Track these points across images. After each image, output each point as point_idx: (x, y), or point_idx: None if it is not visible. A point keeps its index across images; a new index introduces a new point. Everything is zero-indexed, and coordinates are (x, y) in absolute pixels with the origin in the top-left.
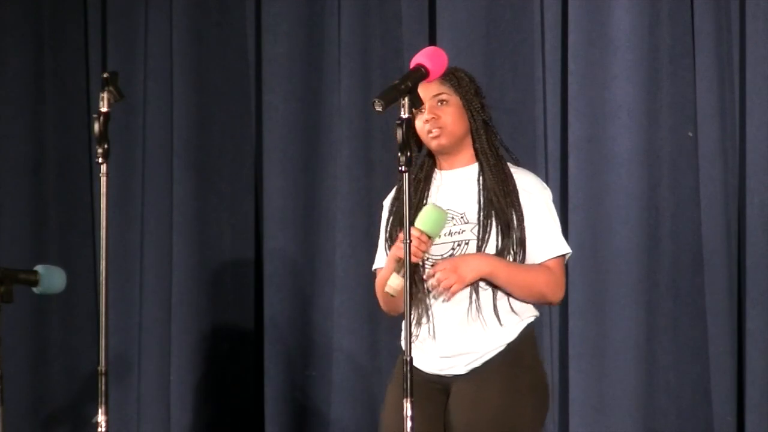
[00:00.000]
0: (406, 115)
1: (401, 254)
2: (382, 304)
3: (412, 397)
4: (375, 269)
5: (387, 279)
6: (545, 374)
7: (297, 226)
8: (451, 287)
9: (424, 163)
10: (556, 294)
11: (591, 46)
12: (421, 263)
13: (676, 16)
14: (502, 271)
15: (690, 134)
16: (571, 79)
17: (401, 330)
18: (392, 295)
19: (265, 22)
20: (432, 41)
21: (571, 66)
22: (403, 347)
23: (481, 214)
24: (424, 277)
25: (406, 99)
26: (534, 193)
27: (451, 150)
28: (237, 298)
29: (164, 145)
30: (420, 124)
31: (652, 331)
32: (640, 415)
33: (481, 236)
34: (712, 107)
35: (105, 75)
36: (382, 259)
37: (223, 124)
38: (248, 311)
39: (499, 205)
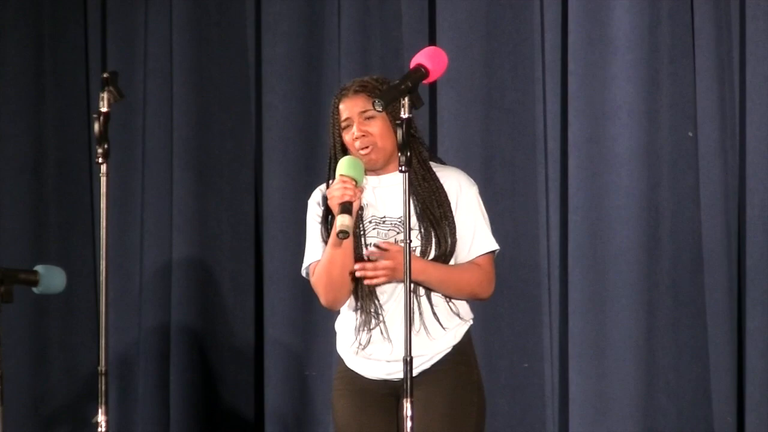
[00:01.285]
0: (406, 115)
1: (348, 198)
2: (323, 296)
3: (412, 397)
4: (309, 265)
5: (329, 259)
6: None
7: (297, 226)
8: (376, 278)
9: None
10: (486, 291)
11: (591, 46)
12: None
13: (676, 16)
14: (436, 273)
15: (690, 134)
16: (571, 79)
17: (338, 334)
18: (347, 233)
19: (265, 22)
20: (432, 41)
21: (571, 66)
22: (343, 355)
23: (421, 224)
24: (366, 254)
25: (406, 99)
26: (462, 192)
27: (382, 164)
28: (237, 298)
29: (164, 145)
30: (349, 139)
31: (652, 331)
32: (640, 415)
33: (424, 242)
34: (712, 107)
35: (105, 75)
36: (317, 252)
37: (223, 124)
38: (248, 311)
39: (434, 217)
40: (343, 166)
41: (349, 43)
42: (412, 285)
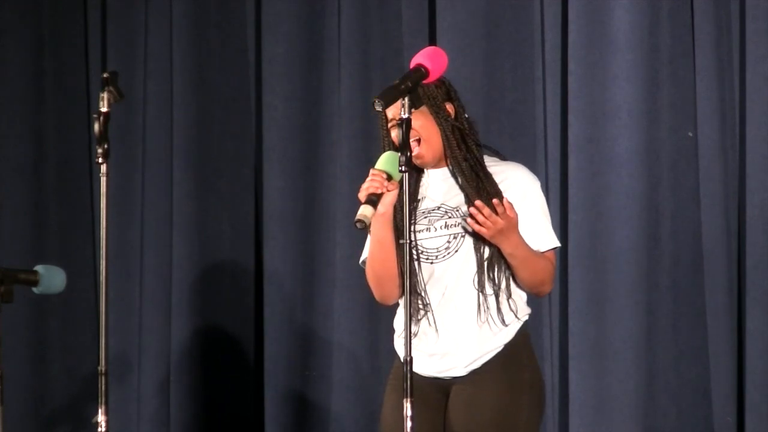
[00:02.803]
0: (406, 115)
1: (373, 190)
2: (373, 292)
3: (412, 397)
4: (363, 260)
5: (370, 255)
6: (540, 371)
7: (297, 226)
8: (477, 226)
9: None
10: (550, 285)
11: (591, 46)
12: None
13: (676, 16)
14: (522, 252)
15: (690, 134)
16: (571, 79)
17: (395, 330)
18: (364, 224)
19: (265, 22)
20: (432, 41)
21: (571, 66)
22: (397, 349)
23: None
24: (474, 206)
25: (406, 99)
26: (527, 188)
27: (434, 161)
28: (237, 298)
29: (164, 145)
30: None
31: (652, 331)
32: (640, 415)
33: (476, 232)
34: (712, 107)
35: (105, 75)
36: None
37: (223, 124)
38: (248, 311)
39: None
40: (380, 161)
41: (349, 43)
42: (480, 277)
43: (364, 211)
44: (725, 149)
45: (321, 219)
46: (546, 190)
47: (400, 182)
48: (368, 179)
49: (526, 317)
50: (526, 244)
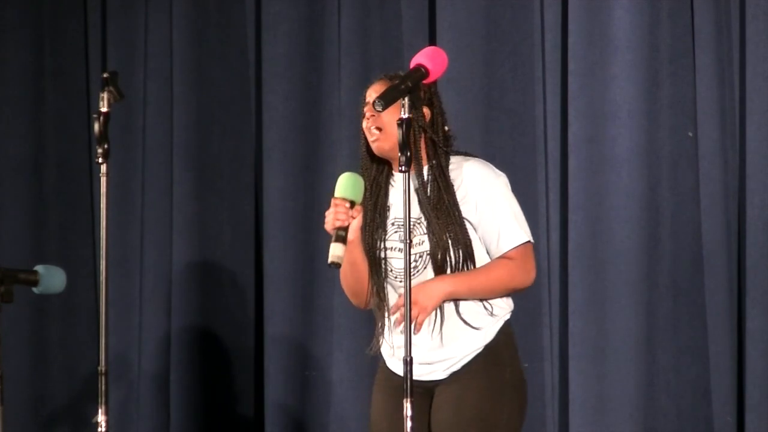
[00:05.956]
0: (406, 115)
1: (338, 224)
2: (349, 295)
3: (412, 397)
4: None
5: (342, 271)
6: (522, 370)
7: (297, 226)
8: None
9: (383, 168)
10: (523, 281)
11: (591, 46)
12: (386, 270)
13: (676, 16)
14: (462, 286)
15: (690, 134)
16: (571, 79)
17: (377, 336)
18: (338, 264)
19: (265, 22)
20: (432, 41)
21: (571, 66)
22: (384, 354)
23: (429, 229)
24: (389, 314)
25: (406, 99)
26: (484, 187)
27: (392, 154)
28: (237, 298)
29: (164, 145)
30: (363, 125)
31: (652, 331)
32: (640, 415)
33: (434, 245)
34: (712, 107)
35: (105, 75)
36: None
37: (223, 124)
38: (248, 311)
39: (438, 223)
40: (338, 187)
41: (349, 43)
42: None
43: (336, 251)
44: (725, 149)
45: (321, 219)
46: (546, 189)
47: (368, 197)
48: (332, 210)
49: (508, 315)
50: (461, 278)
